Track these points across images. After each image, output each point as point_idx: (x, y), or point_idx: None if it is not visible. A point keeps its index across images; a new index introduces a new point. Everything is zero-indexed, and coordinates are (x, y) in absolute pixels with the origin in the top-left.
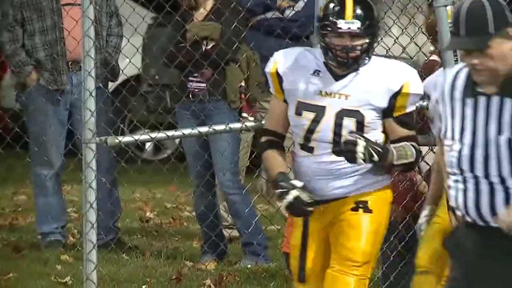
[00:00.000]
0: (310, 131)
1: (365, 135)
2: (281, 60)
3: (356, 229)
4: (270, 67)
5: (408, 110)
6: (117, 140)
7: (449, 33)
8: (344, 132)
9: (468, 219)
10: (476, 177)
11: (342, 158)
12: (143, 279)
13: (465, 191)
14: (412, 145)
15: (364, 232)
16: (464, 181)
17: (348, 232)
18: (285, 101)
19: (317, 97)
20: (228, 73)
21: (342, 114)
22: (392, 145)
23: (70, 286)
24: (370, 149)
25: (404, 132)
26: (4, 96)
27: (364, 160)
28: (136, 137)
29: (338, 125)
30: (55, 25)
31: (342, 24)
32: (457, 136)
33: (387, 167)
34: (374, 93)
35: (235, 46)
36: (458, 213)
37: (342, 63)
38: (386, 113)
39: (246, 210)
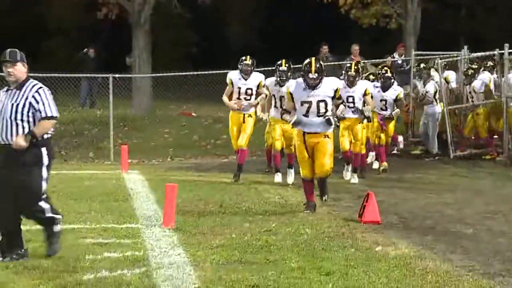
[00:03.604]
0: (307, 110)
1: (329, 108)
2: (290, 87)
3: (326, 146)
4: (285, 90)
5: (339, 94)
6: None
7: None
8: (321, 108)
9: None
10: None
11: (322, 119)
12: None
13: None
14: (343, 104)
15: (330, 148)
16: None
17: (324, 146)
18: (292, 101)
19: (308, 97)
20: None
21: (319, 101)
22: (337, 110)
23: None
24: (335, 119)
25: (339, 101)
26: None
27: (336, 123)
28: None
29: (318, 106)
30: None
31: (310, 75)
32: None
33: (337, 121)
34: (328, 91)
35: None
36: None
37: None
38: (333, 97)
39: None
